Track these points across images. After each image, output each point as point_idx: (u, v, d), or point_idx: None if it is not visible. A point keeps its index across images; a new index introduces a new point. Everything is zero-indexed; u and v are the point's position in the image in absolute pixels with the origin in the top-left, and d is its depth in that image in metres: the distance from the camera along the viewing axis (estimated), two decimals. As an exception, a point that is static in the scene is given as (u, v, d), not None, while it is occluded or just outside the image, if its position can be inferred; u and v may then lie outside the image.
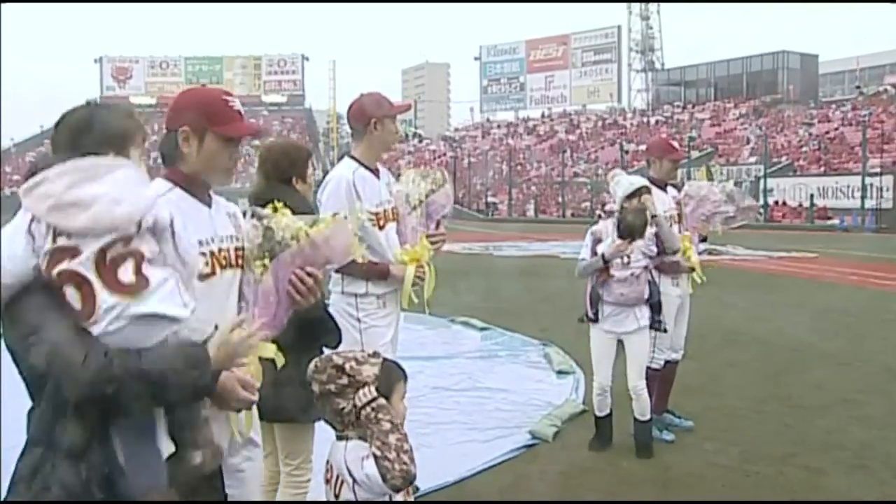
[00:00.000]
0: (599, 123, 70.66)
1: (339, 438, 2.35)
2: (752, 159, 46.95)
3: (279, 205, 2.52)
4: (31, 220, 1.81)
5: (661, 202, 5.26)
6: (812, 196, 37.83)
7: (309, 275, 2.44)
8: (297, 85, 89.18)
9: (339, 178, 3.77)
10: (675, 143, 5.68)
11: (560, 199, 51.84)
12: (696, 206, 5.38)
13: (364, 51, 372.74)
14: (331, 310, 3.44)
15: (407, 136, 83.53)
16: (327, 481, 2.37)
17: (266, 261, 2.41)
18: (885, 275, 15.54)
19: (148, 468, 1.85)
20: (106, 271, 1.78)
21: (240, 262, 2.45)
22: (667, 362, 5.36)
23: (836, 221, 35.58)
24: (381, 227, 3.78)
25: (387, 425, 2.25)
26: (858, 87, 58.62)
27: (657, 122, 64.74)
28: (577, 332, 6.47)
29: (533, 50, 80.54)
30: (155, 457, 1.87)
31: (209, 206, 2.44)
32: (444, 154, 69.63)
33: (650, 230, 4.78)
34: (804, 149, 48.08)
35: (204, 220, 2.38)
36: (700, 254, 5.64)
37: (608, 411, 5.03)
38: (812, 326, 9.39)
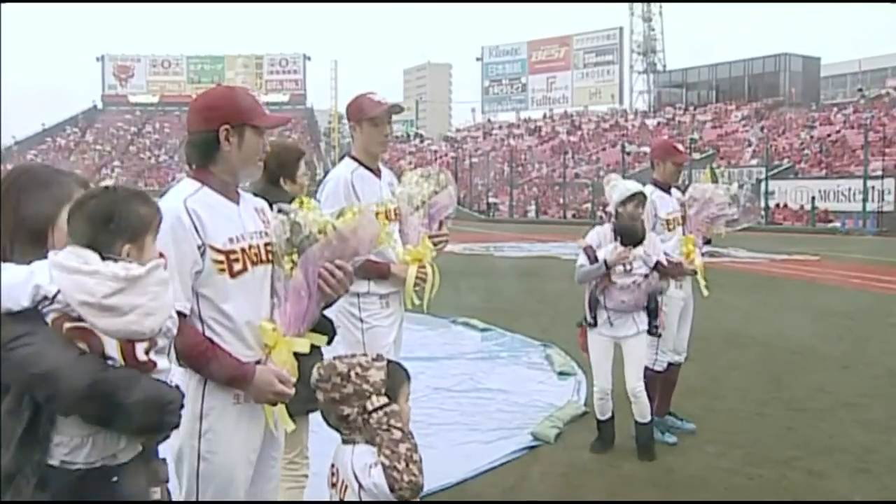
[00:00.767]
0: (601, 125, 70.66)
1: (346, 442, 2.32)
2: (754, 161, 46.93)
3: (305, 199, 2.56)
4: (41, 281, 1.82)
5: (666, 205, 5.26)
6: (813, 199, 37.79)
7: (338, 267, 2.47)
8: (299, 84, 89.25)
9: (337, 177, 3.77)
10: (679, 146, 5.66)
11: (561, 200, 51.83)
12: (700, 208, 5.36)
13: (366, 51, 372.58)
14: (333, 309, 3.42)
15: (408, 136, 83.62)
16: (333, 485, 2.34)
17: (294, 256, 2.44)
18: (886, 278, 15.53)
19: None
20: (126, 346, 1.87)
21: (269, 257, 2.48)
22: (669, 364, 5.35)
23: (837, 224, 35.58)
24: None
25: (398, 434, 2.22)
26: (860, 90, 58.56)
27: (658, 123, 64.71)
28: (577, 333, 6.46)
29: (535, 51, 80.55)
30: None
31: (237, 203, 2.48)
32: (446, 154, 69.63)
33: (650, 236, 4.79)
34: (806, 151, 48.07)
35: (233, 217, 2.43)
36: (702, 256, 5.62)
37: (610, 415, 5.02)
38: (814, 329, 9.36)
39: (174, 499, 2.23)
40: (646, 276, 4.83)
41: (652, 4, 76.46)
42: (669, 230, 5.28)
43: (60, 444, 1.86)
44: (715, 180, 5.42)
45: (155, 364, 1.93)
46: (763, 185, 39.47)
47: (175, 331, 2.03)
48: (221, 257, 2.36)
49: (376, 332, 3.72)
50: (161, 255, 2.02)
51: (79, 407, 1.82)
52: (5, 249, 1.94)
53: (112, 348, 1.85)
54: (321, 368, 2.34)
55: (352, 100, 3.88)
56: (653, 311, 4.92)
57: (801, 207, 38.93)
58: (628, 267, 4.77)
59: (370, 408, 2.25)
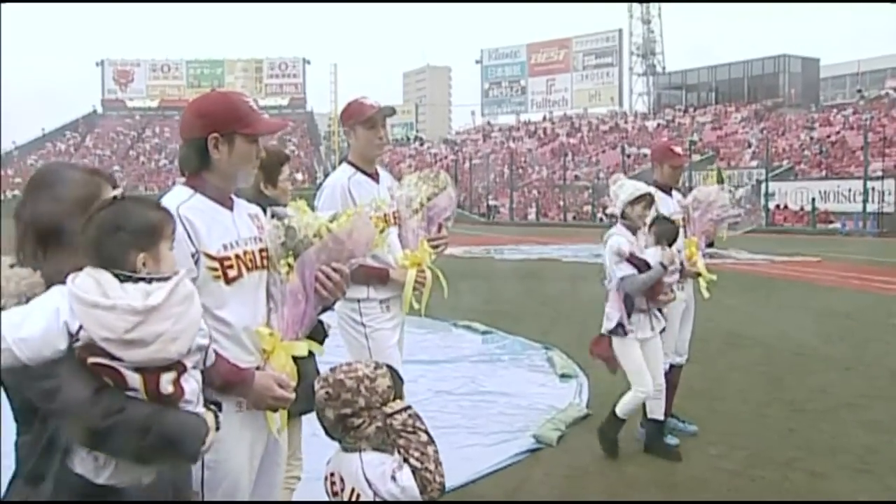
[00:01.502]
0: (601, 127, 70.69)
1: (349, 450, 2.30)
2: (754, 163, 46.96)
3: (300, 203, 2.55)
4: (67, 317, 1.78)
5: (666, 206, 5.26)
6: (814, 200, 37.80)
7: (335, 270, 2.46)
8: (299, 88, 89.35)
9: (334, 184, 3.76)
10: (678, 149, 5.61)
11: (561, 203, 51.85)
12: (704, 210, 5.36)
13: (365, 54, 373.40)
14: (334, 316, 3.42)
15: (408, 139, 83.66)
16: (335, 494, 2.32)
17: (291, 260, 2.43)
18: (887, 279, 15.52)
19: None
20: (150, 380, 1.82)
21: (265, 262, 2.47)
22: (671, 366, 5.34)
23: (837, 225, 35.58)
24: (380, 232, 3.76)
25: (424, 436, 2.22)
26: (860, 91, 58.61)
27: (658, 125, 64.75)
28: (578, 335, 6.46)
29: (534, 53, 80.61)
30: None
31: (231, 209, 2.47)
32: (446, 157, 69.67)
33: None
34: (805, 152, 48.10)
35: (227, 224, 2.41)
36: (703, 257, 5.62)
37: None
38: (815, 330, 9.36)
39: None
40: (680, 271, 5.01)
41: (651, 6, 76.61)
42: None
43: (85, 460, 1.83)
44: (721, 181, 5.41)
45: (182, 392, 1.88)
46: (763, 186, 39.49)
47: (207, 341, 1.99)
48: (216, 264, 2.34)
49: (380, 336, 3.71)
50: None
51: (94, 444, 1.80)
52: (35, 253, 1.93)
53: (135, 382, 1.80)
54: (328, 387, 2.32)
55: (345, 106, 3.88)
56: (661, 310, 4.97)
57: (802, 209, 38.94)
58: (672, 266, 4.87)
59: (389, 412, 2.25)
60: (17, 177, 68.52)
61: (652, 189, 5.07)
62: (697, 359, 6.03)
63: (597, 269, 5.56)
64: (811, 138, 50.18)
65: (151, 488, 1.90)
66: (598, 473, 4.74)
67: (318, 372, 2.73)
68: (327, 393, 2.31)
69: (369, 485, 2.21)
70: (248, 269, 2.40)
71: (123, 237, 1.86)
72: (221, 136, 2.36)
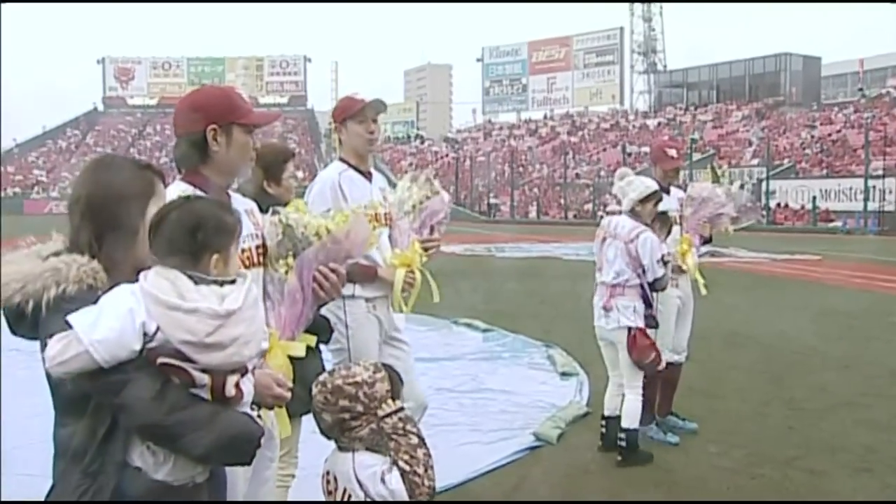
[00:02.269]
0: (602, 125, 70.66)
1: (343, 449, 2.31)
2: (755, 161, 46.93)
3: (299, 202, 2.55)
4: (144, 318, 1.77)
5: (665, 203, 5.25)
6: (815, 198, 37.82)
7: (332, 270, 2.47)
8: (299, 86, 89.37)
9: (324, 179, 3.73)
10: (672, 151, 5.44)
11: (562, 201, 51.86)
12: (697, 208, 5.36)
13: (366, 52, 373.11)
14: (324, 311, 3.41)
15: (409, 137, 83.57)
16: (329, 493, 2.33)
17: (289, 259, 2.43)
18: (888, 277, 15.52)
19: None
20: (217, 381, 1.82)
21: (262, 260, 2.47)
22: (669, 364, 5.33)
23: (838, 224, 35.57)
24: (372, 230, 3.73)
25: (415, 439, 2.22)
26: (861, 90, 58.56)
27: (659, 124, 64.71)
28: (579, 333, 6.46)
29: (535, 51, 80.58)
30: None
31: None
32: (446, 155, 69.65)
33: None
34: (807, 151, 48.06)
35: None
36: (701, 256, 5.61)
37: None
38: (815, 329, 9.37)
39: None
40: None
41: (652, 4, 76.54)
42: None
43: (144, 454, 1.83)
44: (716, 179, 5.41)
45: (242, 395, 1.89)
46: (764, 184, 39.50)
47: (268, 345, 2.01)
48: None
49: (361, 339, 3.64)
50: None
51: (158, 439, 1.81)
52: (90, 243, 1.92)
53: (204, 382, 1.81)
54: (326, 393, 2.31)
55: (337, 102, 3.88)
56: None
57: (803, 207, 38.95)
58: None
59: (381, 414, 2.25)
60: (17, 174, 68.61)
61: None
62: (697, 357, 6.04)
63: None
64: (812, 137, 50.14)
65: (200, 487, 1.91)
66: (598, 472, 4.74)
67: (323, 369, 2.72)
68: (326, 399, 2.31)
69: (360, 485, 2.21)
70: (246, 267, 2.39)
71: (200, 238, 1.86)
72: (220, 127, 2.36)
